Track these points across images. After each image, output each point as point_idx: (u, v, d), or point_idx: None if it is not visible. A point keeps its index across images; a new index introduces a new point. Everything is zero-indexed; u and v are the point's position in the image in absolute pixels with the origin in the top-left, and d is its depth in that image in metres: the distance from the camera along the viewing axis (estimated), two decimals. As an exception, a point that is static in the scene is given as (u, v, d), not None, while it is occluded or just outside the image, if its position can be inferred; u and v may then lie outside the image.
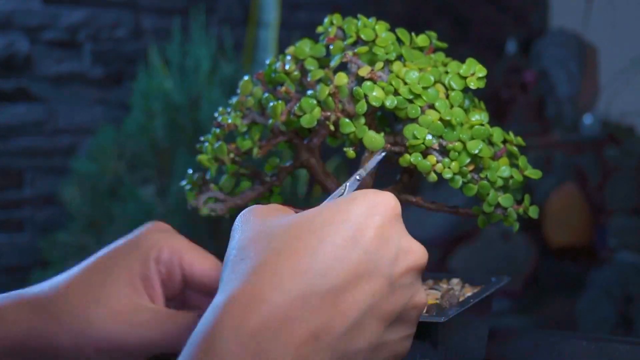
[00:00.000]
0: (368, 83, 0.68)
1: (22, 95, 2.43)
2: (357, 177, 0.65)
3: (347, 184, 0.63)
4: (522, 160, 0.70)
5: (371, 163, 0.68)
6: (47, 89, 2.47)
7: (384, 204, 0.50)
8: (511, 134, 0.72)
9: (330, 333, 0.47)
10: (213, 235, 2.19)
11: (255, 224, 0.51)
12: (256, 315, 0.46)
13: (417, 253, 0.51)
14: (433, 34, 0.73)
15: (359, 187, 0.62)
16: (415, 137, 0.68)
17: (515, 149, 0.70)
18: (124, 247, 0.65)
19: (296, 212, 0.54)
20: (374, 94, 0.69)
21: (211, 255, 0.67)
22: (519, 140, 0.71)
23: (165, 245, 0.66)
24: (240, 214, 0.53)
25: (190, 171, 0.78)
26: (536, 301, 3.00)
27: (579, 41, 3.56)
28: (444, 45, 0.73)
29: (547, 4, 3.85)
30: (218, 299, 0.47)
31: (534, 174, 0.69)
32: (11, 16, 2.39)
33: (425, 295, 0.52)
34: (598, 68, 3.62)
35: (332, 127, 0.70)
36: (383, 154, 0.69)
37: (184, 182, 0.78)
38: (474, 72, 0.69)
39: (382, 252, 0.49)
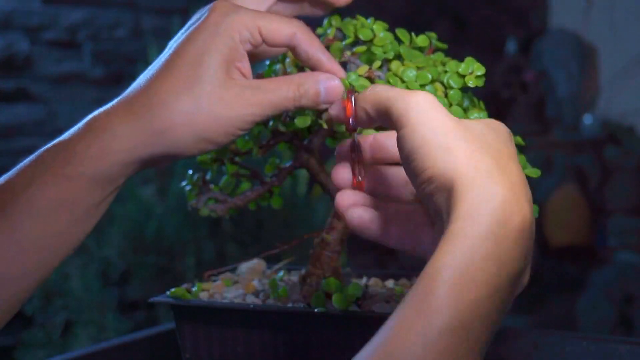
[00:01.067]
0: (360, 81, 0.68)
1: (22, 95, 2.43)
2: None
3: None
4: (521, 160, 0.70)
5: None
6: (47, 89, 2.47)
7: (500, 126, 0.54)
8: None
9: (531, 223, 0.52)
10: (213, 236, 2.20)
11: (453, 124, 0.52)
12: (482, 217, 0.49)
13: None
14: (433, 35, 0.73)
15: None
16: None
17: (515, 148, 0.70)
18: (204, 38, 0.63)
19: None
20: None
21: (285, 18, 0.66)
22: (519, 139, 0.71)
23: (243, 25, 0.63)
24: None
25: (190, 172, 0.78)
26: (536, 301, 3.00)
27: (579, 41, 3.56)
28: (444, 46, 0.73)
29: (547, 4, 3.85)
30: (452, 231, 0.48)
31: (533, 172, 0.69)
32: (11, 16, 2.39)
33: None
34: (598, 68, 3.62)
35: (324, 126, 0.70)
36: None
37: (184, 183, 0.78)
38: (473, 70, 0.69)
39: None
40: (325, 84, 0.64)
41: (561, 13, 3.79)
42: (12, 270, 0.63)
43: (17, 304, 0.65)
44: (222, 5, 0.64)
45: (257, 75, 0.75)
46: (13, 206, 0.63)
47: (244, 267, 0.82)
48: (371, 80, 0.70)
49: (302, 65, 0.68)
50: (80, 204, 0.63)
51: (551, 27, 3.78)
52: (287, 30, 0.64)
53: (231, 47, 0.63)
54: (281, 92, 0.63)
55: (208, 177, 0.77)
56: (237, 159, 0.76)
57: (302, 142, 0.75)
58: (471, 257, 0.47)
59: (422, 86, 0.69)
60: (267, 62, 0.75)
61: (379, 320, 0.64)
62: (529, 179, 0.70)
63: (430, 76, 0.69)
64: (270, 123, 0.74)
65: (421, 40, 0.72)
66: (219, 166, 0.77)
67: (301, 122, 0.70)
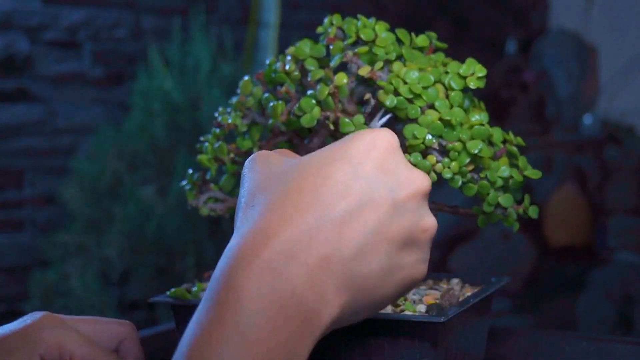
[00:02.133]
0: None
1: (22, 95, 2.43)
2: None
3: None
4: (522, 161, 0.70)
5: (374, 122, 0.69)
6: (47, 89, 2.47)
7: (381, 139, 0.53)
8: (511, 134, 0.72)
9: (341, 257, 0.50)
10: (213, 235, 2.20)
11: (262, 170, 0.54)
12: (268, 249, 0.49)
13: (417, 179, 0.53)
14: (433, 35, 0.73)
15: None
16: (415, 137, 0.68)
17: (515, 149, 0.70)
18: (12, 340, 0.65)
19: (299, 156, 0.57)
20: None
21: (98, 348, 0.68)
22: (519, 140, 0.71)
23: (54, 342, 0.66)
24: (247, 161, 0.56)
25: (190, 171, 0.77)
26: (536, 301, 3.00)
27: (579, 41, 3.56)
28: (444, 45, 0.73)
29: (547, 4, 3.85)
30: (232, 243, 0.51)
31: (533, 174, 0.69)
32: (11, 16, 2.39)
33: (434, 220, 0.54)
34: (598, 68, 3.62)
35: (331, 127, 0.70)
36: (387, 116, 0.69)
37: (184, 182, 0.78)
38: (474, 71, 0.69)
39: (383, 181, 0.52)
40: None
41: (561, 13, 3.79)
42: None
43: None
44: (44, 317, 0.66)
45: (257, 76, 0.75)
46: None
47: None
48: (373, 80, 0.70)
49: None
50: None
51: (551, 27, 3.78)
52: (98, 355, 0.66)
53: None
54: None
55: (208, 176, 0.77)
56: (237, 158, 0.76)
57: (303, 141, 0.75)
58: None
59: (425, 88, 0.69)
60: (267, 62, 0.75)
61: (375, 321, 0.64)
62: (529, 179, 0.71)
63: (432, 78, 0.69)
64: (270, 121, 0.74)
65: (421, 40, 0.72)
66: (219, 166, 0.77)
67: (307, 120, 0.70)
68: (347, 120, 0.70)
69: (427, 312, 0.67)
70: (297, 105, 0.71)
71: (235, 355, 0.47)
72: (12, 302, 2.42)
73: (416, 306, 0.68)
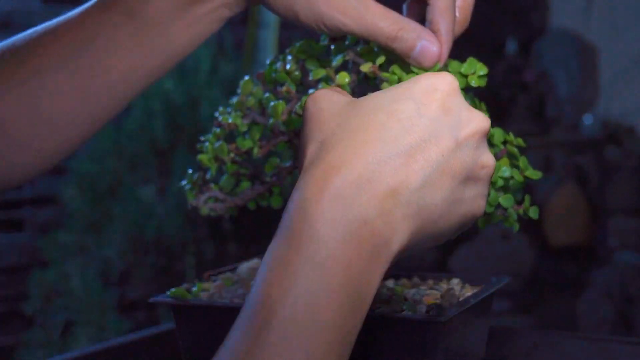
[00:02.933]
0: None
1: (22, 95, 2.43)
2: None
3: None
4: (522, 161, 0.69)
5: None
6: (47, 89, 2.47)
7: (442, 81, 0.55)
8: (511, 134, 0.72)
9: (408, 188, 0.52)
10: (213, 235, 2.20)
11: (326, 107, 0.56)
12: (338, 178, 0.51)
13: (477, 119, 0.55)
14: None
15: None
16: None
17: (515, 149, 0.70)
18: None
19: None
20: None
21: None
22: (519, 141, 0.71)
23: None
24: (308, 99, 0.57)
25: (190, 171, 0.77)
26: (536, 301, 3.00)
27: (579, 41, 3.56)
28: None
29: (547, 4, 3.85)
30: (302, 178, 0.53)
31: (534, 174, 0.69)
32: (11, 16, 2.39)
33: (493, 157, 0.56)
34: (598, 68, 3.62)
35: None
36: None
37: (184, 182, 0.78)
38: (475, 70, 0.69)
39: (446, 119, 0.54)
40: (425, 44, 0.65)
41: (561, 13, 3.79)
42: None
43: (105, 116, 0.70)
44: None
45: (258, 76, 0.75)
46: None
47: (244, 267, 0.82)
48: (375, 77, 0.69)
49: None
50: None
51: (551, 27, 3.78)
52: None
53: None
54: (382, 22, 0.65)
55: (208, 176, 0.77)
56: (237, 158, 0.76)
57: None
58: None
59: None
60: (268, 62, 0.75)
61: (378, 319, 0.64)
62: (529, 180, 0.70)
63: None
64: (270, 121, 0.74)
65: None
66: (219, 165, 0.77)
67: None
68: None
69: (427, 312, 0.67)
70: (298, 104, 0.71)
71: (314, 285, 0.49)
72: (12, 302, 2.42)
73: (416, 306, 0.68)
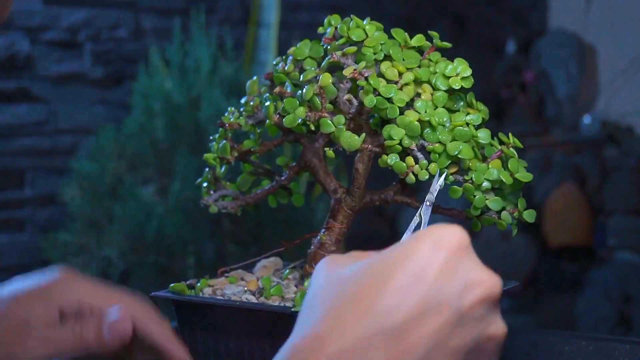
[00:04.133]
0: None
1: (23, 95, 2.43)
2: (428, 203, 0.65)
3: (421, 211, 0.64)
4: (512, 163, 0.69)
5: (434, 185, 0.67)
6: (48, 89, 2.47)
7: (449, 239, 0.50)
8: (511, 135, 0.71)
9: None
10: (213, 235, 2.20)
11: (328, 274, 0.52)
12: (323, 356, 0.47)
13: (487, 283, 0.49)
14: (435, 34, 0.73)
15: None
16: (391, 138, 0.68)
17: (512, 150, 0.70)
18: (32, 295, 0.68)
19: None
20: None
21: (117, 294, 0.71)
22: (517, 142, 0.71)
23: (74, 296, 0.69)
24: (318, 263, 0.54)
25: (207, 169, 0.79)
26: (535, 301, 3.00)
27: (579, 41, 3.56)
28: (447, 45, 0.73)
29: (547, 4, 3.85)
30: (288, 343, 0.49)
31: (524, 177, 0.69)
32: (11, 16, 2.40)
33: (503, 326, 0.50)
34: (598, 68, 3.62)
35: (312, 127, 0.71)
36: (443, 175, 0.68)
37: (199, 180, 0.79)
38: (459, 72, 0.69)
39: (448, 286, 0.48)
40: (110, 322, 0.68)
41: (561, 13, 3.79)
42: None
43: None
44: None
45: (266, 75, 0.76)
46: None
47: (260, 264, 0.83)
48: (354, 81, 0.70)
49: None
50: None
51: (551, 27, 3.78)
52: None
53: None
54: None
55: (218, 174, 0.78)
56: (252, 157, 0.78)
57: (311, 141, 0.76)
58: None
59: (406, 85, 0.69)
60: (274, 62, 0.76)
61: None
62: (527, 182, 0.70)
63: (412, 77, 0.69)
64: (267, 121, 0.75)
65: (415, 40, 0.72)
66: (227, 164, 0.78)
67: (289, 120, 0.71)
68: (328, 120, 0.70)
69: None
70: (282, 105, 0.71)
71: None
72: (12, 301, 2.42)
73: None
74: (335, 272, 0.52)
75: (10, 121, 2.41)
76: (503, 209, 0.70)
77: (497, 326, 0.50)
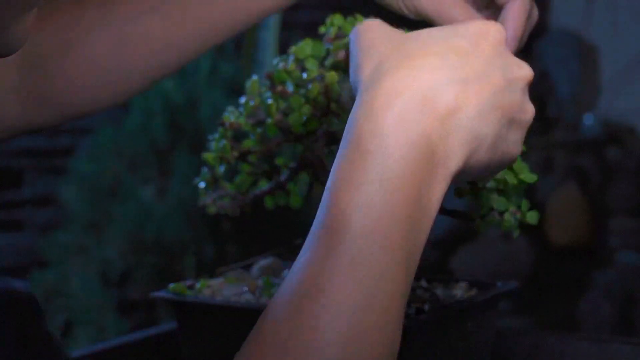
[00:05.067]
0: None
1: (22, 95, 2.43)
2: None
3: None
4: (517, 163, 0.69)
5: None
6: (47, 89, 2.47)
7: (493, 28, 0.57)
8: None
9: (465, 114, 0.54)
10: (213, 235, 2.20)
11: (378, 35, 0.58)
12: (402, 99, 0.52)
13: (526, 67, 0.58)
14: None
15: None
16: None
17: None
18: None
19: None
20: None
21: None
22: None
23: None
24: (357, 28, 0.59)
25: (205, 169, 0.78)
26: (537, 301, 3.00)
27: (580, 41, 3.56)
28: None
29: (547, 4, 3.85)
30: (362, 100, 0.54)
31: (528, 177, 0.69)
32: (11, 16, 2.39)
33: (533, 107, 0.59)
34: (599, 68, 3.62)
35: (314, 126, 0.71)
36: None
37: (197, 179, 0.79)
38: None
39: (498, 61, 0.56)
40: None
41: (561, 13, 3.79)
42: None
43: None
44: None
45: (267, 75, 0.75)
46: None
47: (258, 266, 0.82)
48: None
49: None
50: None
51: (551, 27, 3.78)
52: None
53: None
54: (455, 10, 0.74)
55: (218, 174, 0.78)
56: (251, 158, 0.77)
57: (312, 141, 0.75)
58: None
59: None
60: (275, 62, 0.76)
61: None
62: (528, 183, 0.70)
63: None
64: (269, 121, 0.74)
65: None
66: (227, 164, 0.77)
67: (294, 118, 0.70)
68: (333, 119, 0.70)
69: (426, 312, 0.67)
70: (286, 103, 0.71)
71: (380, 201, 0.50)
72: (12, 302, 2.41)
73: (416, 305, 0.68)
74: (386, 33, 0.58)
75: (9, 121, 2.40)
76: (506, 210, 0.69)
77: (530, 105, 0.58)
